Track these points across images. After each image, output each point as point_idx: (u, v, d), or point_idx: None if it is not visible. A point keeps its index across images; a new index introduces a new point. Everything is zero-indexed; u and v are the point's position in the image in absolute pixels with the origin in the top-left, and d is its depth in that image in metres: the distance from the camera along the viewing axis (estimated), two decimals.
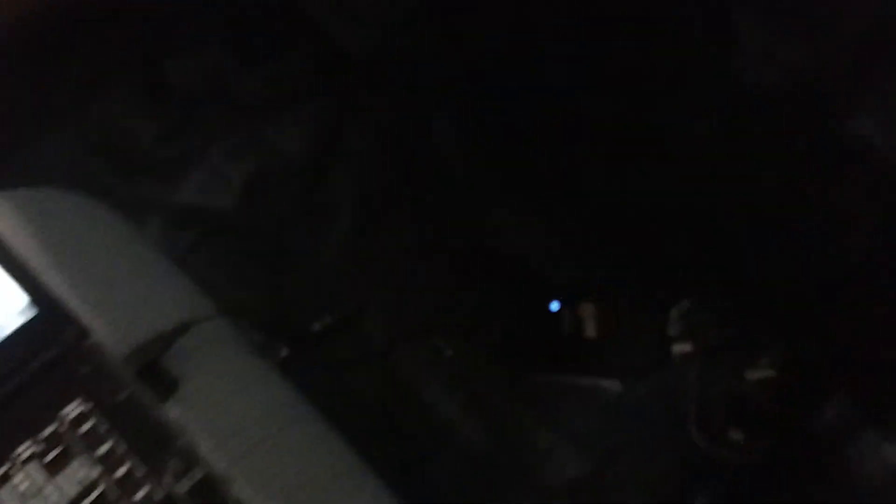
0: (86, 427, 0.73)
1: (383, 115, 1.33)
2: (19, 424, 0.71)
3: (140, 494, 0.70)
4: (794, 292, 1.09)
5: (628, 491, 1.10)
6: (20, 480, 0.68)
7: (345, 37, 1.30)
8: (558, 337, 1.17)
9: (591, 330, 1.16)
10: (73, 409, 0.74)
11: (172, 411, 0.75)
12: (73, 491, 0.69)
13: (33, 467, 0.69)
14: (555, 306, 1.18)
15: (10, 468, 0.69)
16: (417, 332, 1.25)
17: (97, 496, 0.70)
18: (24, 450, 0.71)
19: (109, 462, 0.72)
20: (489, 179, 1.31)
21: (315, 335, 1.26)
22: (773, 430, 1.06)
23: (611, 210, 1.22)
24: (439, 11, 1.30)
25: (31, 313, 0.81)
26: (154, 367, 0.75)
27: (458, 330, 1.24)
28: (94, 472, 0.70)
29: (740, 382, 1.10)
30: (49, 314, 0.78)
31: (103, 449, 0.72)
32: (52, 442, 0.72)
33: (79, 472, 0.70)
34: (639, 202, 1.21)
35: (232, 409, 0.75)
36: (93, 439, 0.73)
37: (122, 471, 0.71)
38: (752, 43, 0.92)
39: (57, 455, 0.71)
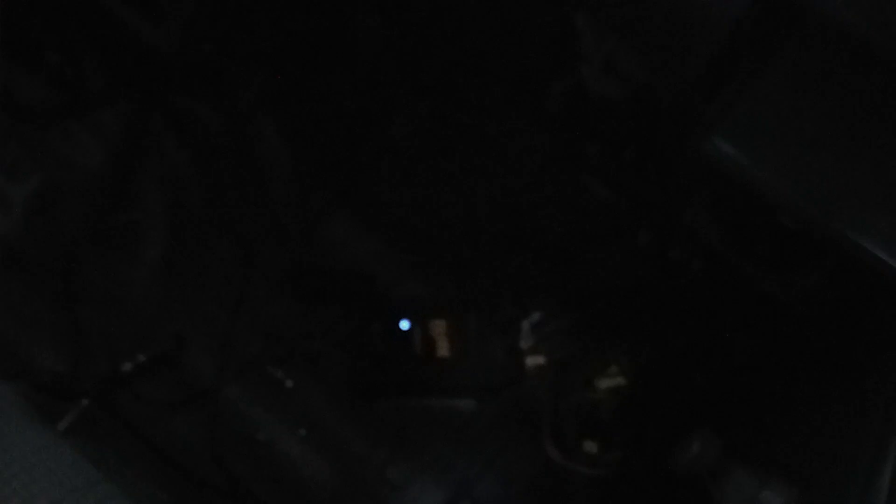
0: None
1: (197, 121, 1.18)
2: None
3: None
4: (636, 303, 1.11)
5: None
6: None
7: (147, 31, 1.13)
8: (409, 358, 1.09)
9: (442, 349, 1.10)
10: None
11: None
12: None
13: None
14: (404, 325, 1.10)
15: None
16: (250, 364, 1.12)
17: None
18: None
19: None
20: (320, 191, 1.21)
21: (126, 377, 1.09)
22: (625, 441, 1.06)
23: (454, 223, 1.17)
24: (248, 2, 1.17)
25: None
26: None
27: (297, 358, 1.13)
28: None
29: (592, 392, 1.10)
30: None
31: None
32: None
33: None
34: (481, 216, 1.17)
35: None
36: None
37: None
38: (596, 52, 0.92)
39: None
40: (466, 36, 1.14)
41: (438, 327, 1.11)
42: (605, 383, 1.11)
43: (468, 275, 1.16)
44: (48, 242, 1.13)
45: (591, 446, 1.07)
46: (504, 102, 1.16)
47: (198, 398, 1.10)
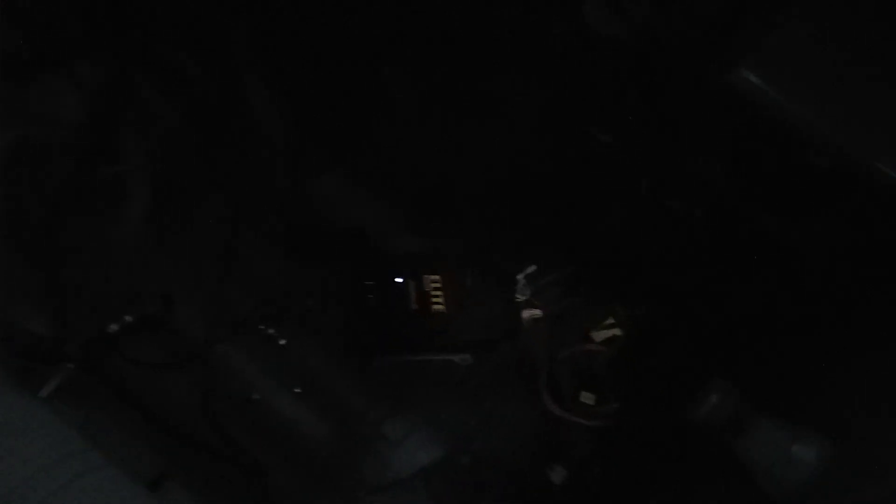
0: None
1: (182, 73, 1.14)
2: None
3: None
4: (634, 254, 1.09)
5: (484, 472, 1.04)
6: None
7: None
8: (404, 313, 1.08)
9: (438, 303, 1.08)
10: None
11: None
12: None
13: None
14: (399, 281, 1.08)
15: None
16: (242, 323, 1.10)
17: None
18: None
19: None
20: (312, 145, 1.18)
21: (113, 338, 1.06)
22: (622, 392, 1.06)
23: (448, 176, 1.15)
24: None
25: None
26: None
27: (291, 315, 1.11)
28: None
29: (588, 344, 1.09)
30: None
31: None
32: None
33: None
34: (476, 168, 1.15)
35: None
36: None
37: None
38: None
39: None
40: None
41: (433, 282, 1.09)
42: (601, 335, 1.10)
43: (463, 229, 1.14)
44: (28, 200, 1.08)
45: (588, 398, 1.06)
46: (502, 48, 1.12)
47: (188, 359, 1.08)
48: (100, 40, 1.10)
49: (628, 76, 0.93)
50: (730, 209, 0.87)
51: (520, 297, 1.10)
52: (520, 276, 1.11)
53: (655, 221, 1.04)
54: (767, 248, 0.86)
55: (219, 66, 1.12)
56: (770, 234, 0.85)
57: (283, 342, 1.09)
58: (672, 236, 1.03)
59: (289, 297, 1.11)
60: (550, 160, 1.14)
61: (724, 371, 0.78)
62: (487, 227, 1.13)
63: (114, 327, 1.06)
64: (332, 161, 1.17)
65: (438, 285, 1.08)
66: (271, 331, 1.09)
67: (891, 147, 0.65)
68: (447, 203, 1.13)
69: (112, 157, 1.12)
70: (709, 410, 0.72)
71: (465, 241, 1.13)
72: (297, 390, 1.07)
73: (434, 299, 1.08)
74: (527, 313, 1.10)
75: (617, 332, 1.09)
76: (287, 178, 1.16)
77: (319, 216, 1.16)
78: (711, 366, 0.87)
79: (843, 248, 0.77)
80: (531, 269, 1.11)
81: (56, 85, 1.11)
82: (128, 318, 1.07)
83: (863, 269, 0.75)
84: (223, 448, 1.02)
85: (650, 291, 1.07)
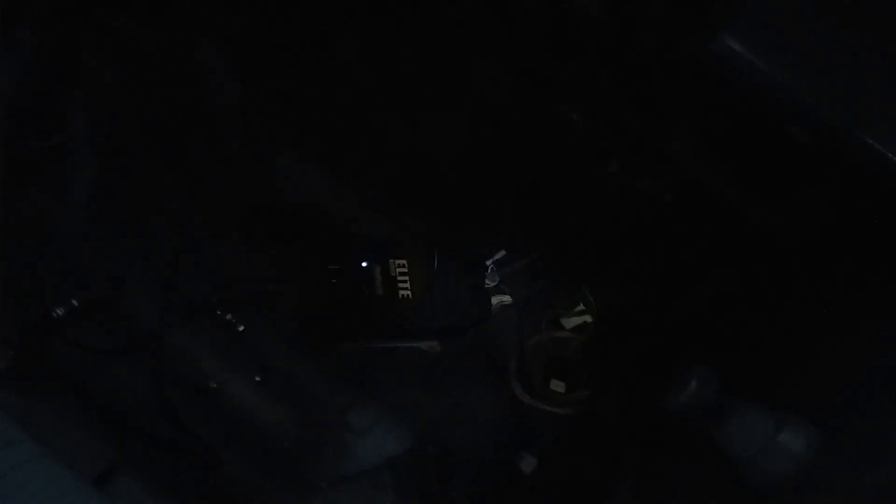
0: None
1: (130, 39, 1.06)
2: None
3: None
4: (604, 238, 1.08)
5: (451, 461, 1.02)
6: None
7: None
8: (369, 299, 1.03)
9: (404, 289, 1.04)
10: None
11: None
12: None
13: None
14: (364, 265, 1.04)
15: None
16: (196, 307, 1.04)
17: None
18: None
19: None
20: (272, 120, 1.12)
21: (58, 323, 0.99)
22: (592, 380, 1.04)
23: (414, 157, 1.11)
24: None
25: None
26: None
27: (249, 300, 1.05)
28: None
29: (558, 331, 1.07)
30: None
31: None
32: None
33: None
34: (443, 150, 1.11)
35: None
36: None
37: None
38: None
39: None
40: None
41: (400, 267, 1.05)
42: (572, 322, 1.09)
43: (430, 212, 1.10)
44: None
45: (558, 385, 1.05)
46: (469, 23, 1.08)
47: (140, 345, 1.02)
48: (38, 2, 1.01)
49: (599, 49, 0.90)
50: (703, 190, 0.86)
51: (489, 283, 1.07)
52: (489, 262, 1.08)
53: (626, 204, 1.02)
54: (743, 231, 0.84)
55: (169, 31, 1.04)
56: (746, 217, 0.84)
57: (241, 328, 1.04)
58: (643, 219, 1.02)
59: (247, 280, 1.05)
60: (519, 140, 1.11)
61: (701, 358, 0.76)
62: (455, 210, 1.10)
63: (59, 311, 0.99)
64: (293, 138, 1.11)
65: (405, 270, 1.04)
66: (228, 316, 1.04)
67: (883, 120, 0.62)
68: (414, 185, 1.09)
69: (53, 126, 1.04)
70: (688, 398, 0.70)
71: (433, 224, 1.09)
72: (256, 378, 1.02)
73: (401, 284, 1.04)
74: (496, 299, 1.07)
75: (587, 318, 1.08)
76: (244, 155, 1.10)
77: (279, 196, 1.10)
78: (687, 352, 0.86)
79: (826, 229, 0.76)
80: (500, 254, 1.08)
81: None
82: (74, 302, 1.00)
83: (847, 251, 0.74)
84: (177, 439, 0.97)
85: (621, 277, 1.06)
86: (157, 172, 1.08)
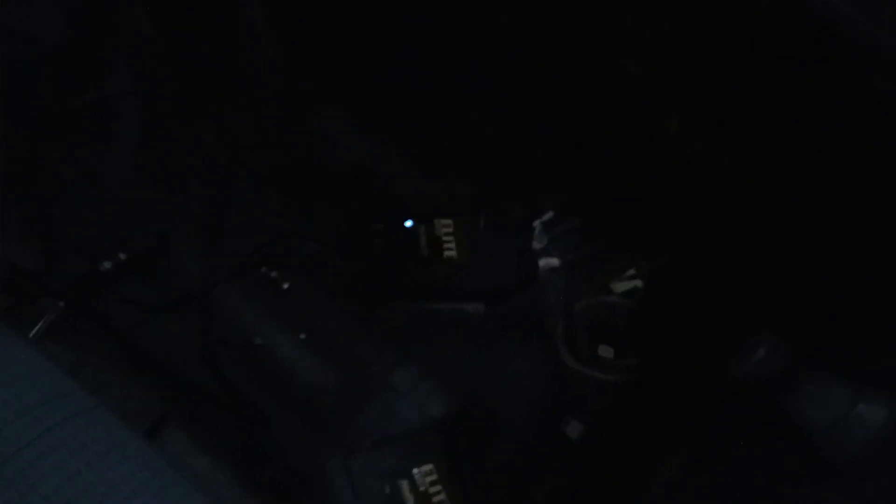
0: None
1: None
2: None
3: None
4: (656, 200, 1.03)
5: (498, 424, 1.00)
6: None
7: None
8: (413, 260, 1.02)
9: (449, 249, 1.02)
10: None
11: None
12: None
13: None
14: (408, 224, 1.02)
15: None
16: (242, 264, 1.03)
17: None
18: None
19: None
20: (315, 76, 1.09)
21: (106, 277, 0.99)
22: (641, 346, 1.01)
23: (459, 115, 1.07)
24: None
25: None
26: None
27: (294, 258, 1.04)
28: None
29: (607, 295, 1.04)
30: None
31: None
32: None
33: None
34: (489, 106, 1.07)
35: None
36: None
37: None
38: None
39: None
40: None
41: (445, 227, 1.03)
42: (622, 286, 1.05)
43: (476, 171, 1.07)
44: (11, 128, 1.00)
45: (606, 351, 1.02)
46: None
47: (186, 301, 1.02)
48: None
49: None
50: (768, 151, 0.81)
51: (536, 245, 1.04)
52: (536, 223, 1.05)
53: (683, 164, 0.98)
54: (811, 197, 0.80)
55: None
56: (814, 184, 0.79)
57: (286, 286, 1.03)
58: (701, 180, 0.97)
59: (291, 239, 1.04)
60: (572, 96, 1.06)
61: (767, 326, 0.73)
62: (502, 169, 1.06)
63: (106, 265, 0.99)
64: (336, 95, 1.09)
65: (450, 230, 1.02)
66: (274, 274, 1.03)
67: None
68: (460, 143, 1.06)
69: (98, 80, 1.03)
70: (755, 366, 0.67)
71: (479, 183, 1.06)
72: (301, 336, 1.01)
73: (446, 245, 1.02)
74: (543, 262, 1.04)
75: (638, 283, 1.04)
76: (286, 112, 1.08)
77: (321, 154, 1.08)
78: (747, 320, 0.82)
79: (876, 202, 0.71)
80: (548, 215, 1.05)
81: (37, 4, 1.01)
82: (121, 256, 1.00)
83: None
84: (224, 395, 0.97)
85: (675, 241, 1.02)
86: (198, 128, 1.07)
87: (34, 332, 0.95)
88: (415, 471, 0.94)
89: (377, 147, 1.07)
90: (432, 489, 0.93)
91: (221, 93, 1.09)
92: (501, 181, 1.06)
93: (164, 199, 1.04)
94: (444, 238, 1.02)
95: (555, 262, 1.04)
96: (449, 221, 1.02)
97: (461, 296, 1.03)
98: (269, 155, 1.08)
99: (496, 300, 1.03)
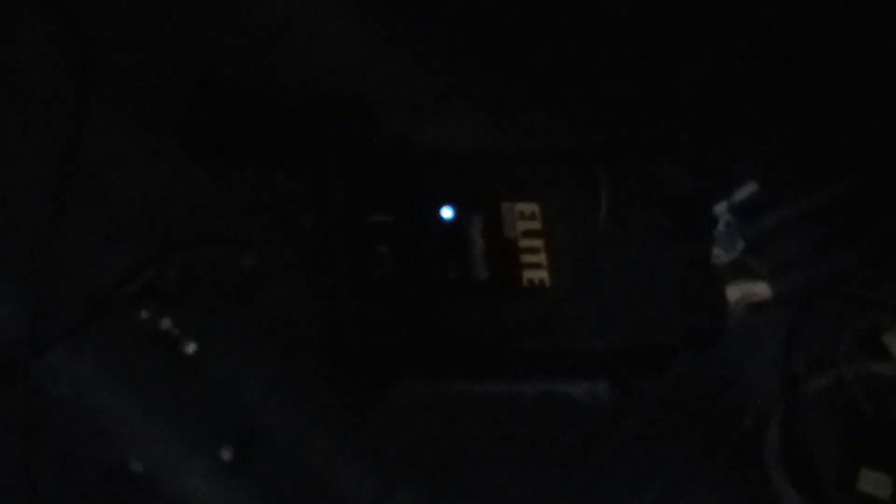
0: None
1: None
2: None
3: None
4: None
5: None
6: None
7: None
8: (459, 287, 0.52)
9: (535, 265, 0.50)
10: None
11: None
12: None
13: None
14: (447, 214, 0.50)
15: None
16: (103, 302, 0.54)
17: None
18: None
19: None
20: None
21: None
22: None
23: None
24: None
25: None
26: None
27: (206, 286, 0.54)
28: None
29: (878, 362, 0.52)
30: None
31: None
32: None
33: None
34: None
35: None
36: None
37: None
38: None
39: None
40: None
41: (526, 217, 0.51)
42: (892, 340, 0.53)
43: (588, 98, 0.54)
44: None
45: (877, 483, 0.52)
46: None
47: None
48: None
49: None
50: None
51: (720, 255, 0.52)
52: (719, 207, 0.53)
53: None
54: None
55: None
56: None
57: (191, 348, 0.52)
58: None
59: (203, 246, 0.53)
60: None
61: None
62: (636, 91, 0.54)
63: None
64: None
65: (538, 226, 0.50)
66: (166, 323, 0.52)
67: None
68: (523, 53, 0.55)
69: None
70: None
71: (597, 124, 0.54)
72: (224, 455, 0.50)
73: (527, 256, 0.50)
74: (736, 289, 0.52)
75: None
76: None
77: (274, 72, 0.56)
78: None
79: None
80: (749, 188, 0.53)
81: None
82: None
83: None
84: None
85: None
86: None
87: None
88: None
89: (373, 56, 0.56)
90: None
91: None
92: (642, 121, 0.54)
93: None
94: (523, 241, 0.51)
95: (763, 289, 0.52)
96: (533, 206, 0.51)
97: (560, 365, 0.50)
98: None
99: (637, 374, 0.50)
